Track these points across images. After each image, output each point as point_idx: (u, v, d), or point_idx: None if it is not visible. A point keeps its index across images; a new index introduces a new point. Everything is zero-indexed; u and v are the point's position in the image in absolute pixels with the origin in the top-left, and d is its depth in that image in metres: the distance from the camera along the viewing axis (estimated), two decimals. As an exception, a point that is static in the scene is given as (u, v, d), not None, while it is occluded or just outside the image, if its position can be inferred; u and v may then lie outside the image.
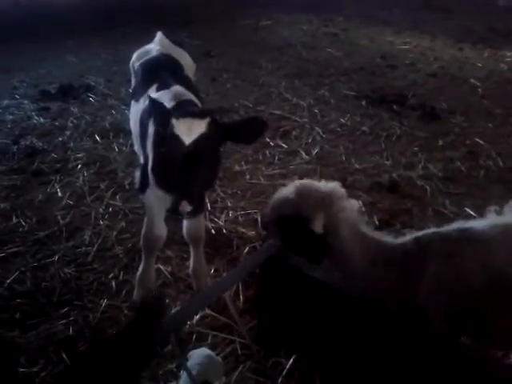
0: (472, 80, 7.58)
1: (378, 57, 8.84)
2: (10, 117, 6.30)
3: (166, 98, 2.92)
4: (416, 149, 5.46)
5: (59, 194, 4.61)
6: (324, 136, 5.78)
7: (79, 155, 5.31)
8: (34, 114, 6.36)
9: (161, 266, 3.63)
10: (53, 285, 3.47)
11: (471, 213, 4.18)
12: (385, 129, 5.95)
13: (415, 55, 9.02)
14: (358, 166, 5.09)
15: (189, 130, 2.45)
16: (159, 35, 4.06)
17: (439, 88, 7.37)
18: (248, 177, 4.91)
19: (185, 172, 2.42)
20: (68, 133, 5.83)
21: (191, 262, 3.50)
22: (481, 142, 5.61)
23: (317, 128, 5.93)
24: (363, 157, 5.32)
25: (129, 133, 4.27)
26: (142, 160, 3.28)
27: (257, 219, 4.17)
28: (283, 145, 5.56)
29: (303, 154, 5.36)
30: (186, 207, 2.40)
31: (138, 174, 3.23)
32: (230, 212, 4.30)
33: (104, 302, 3.31)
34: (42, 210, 4.37)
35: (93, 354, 1.89)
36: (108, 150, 5.45)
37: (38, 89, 7.21)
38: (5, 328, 3.11)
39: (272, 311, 2.85)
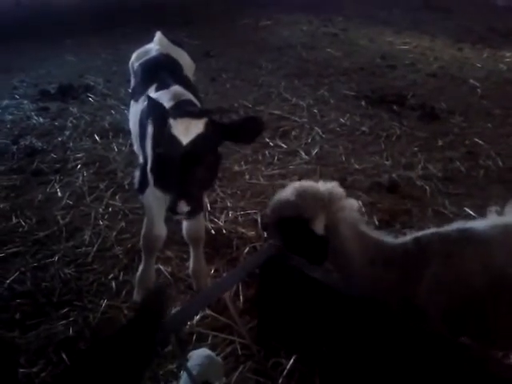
0: (471, 80, 7.58)
1: (378, 57, 8.84)
2: (10, 117, 6.30)
3: (165, 97, 2.91)
4: (416, 149, 5.46)
5: (59, 194, 4.61)
6: (324, 136, 5.77)
7: (79, 155, 5.31)
8: (33, 113, 6.35)
9: (161, 267, 3.63)
10: (53, 285, 3.47)
11: (471, 213, 4.18)
12: (384, 129, 5.95)
13: (415, 55, 9.01)
14: (357, 166, 5.09)
15: (186, 130, 2.44)
16: (158, 35, 4.04)
17: (439, 88, 7.37)
18: (247, 177, 4.91)
19: (182, 172, 2.42)
20: (67, 133, 5.82)
21: (191, 263, 3.50)
22: (480, 142, 5.61)
23: (316, 128, 5.93)
24: (363, 157, 5.31)
25: (128, 133, 4.27)
26: (141, 160, 3.28)
27: (257, 219, 4.17)
28: (283, 145, 5.55)
29: (303, 154, 5.36)
30: (183, 207, 2.39)
31: (137, 174, 3.23)
32: (230, 212, 4.29)
33: (104, 303, 3.30)
34: (42, 210, 4.37)
35: (93, 354, 1.89)
36: (107, 150, 5.45)
37: (38, 89, 7.21)
38: (5, 328, 3.10)
39: (272, 311, 2.85)
